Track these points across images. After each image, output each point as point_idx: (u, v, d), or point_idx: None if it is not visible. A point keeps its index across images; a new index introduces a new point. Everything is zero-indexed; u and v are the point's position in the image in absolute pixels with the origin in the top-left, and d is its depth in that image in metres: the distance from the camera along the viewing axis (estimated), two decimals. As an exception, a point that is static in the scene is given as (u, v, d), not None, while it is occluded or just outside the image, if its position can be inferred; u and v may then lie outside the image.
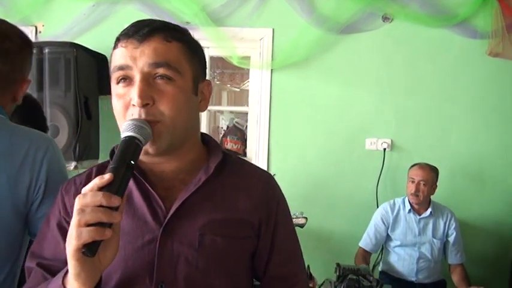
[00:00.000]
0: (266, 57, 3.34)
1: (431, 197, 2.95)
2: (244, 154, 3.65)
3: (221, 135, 4.01)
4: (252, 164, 1.12)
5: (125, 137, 0.85)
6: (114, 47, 0.95)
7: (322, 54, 3.30)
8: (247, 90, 3.56)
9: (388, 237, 2.97)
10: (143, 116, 0.89)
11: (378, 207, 3.13)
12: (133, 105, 0.90)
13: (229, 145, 3.78)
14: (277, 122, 3.38)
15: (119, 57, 0.93)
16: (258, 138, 3.43)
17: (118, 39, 0.95)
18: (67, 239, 0.78)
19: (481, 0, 3.11)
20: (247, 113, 3.60)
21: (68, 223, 0.91)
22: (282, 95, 3.35)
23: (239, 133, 3.81)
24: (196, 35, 3.64)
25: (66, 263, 0.87)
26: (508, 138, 3.23)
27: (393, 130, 3.31)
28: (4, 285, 1.17)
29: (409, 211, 2.92)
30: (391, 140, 3.30)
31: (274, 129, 3.38)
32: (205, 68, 1.05)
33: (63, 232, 0.96)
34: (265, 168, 3.30)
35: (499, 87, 3.21)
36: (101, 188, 0.77)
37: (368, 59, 3.30)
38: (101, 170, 1.02)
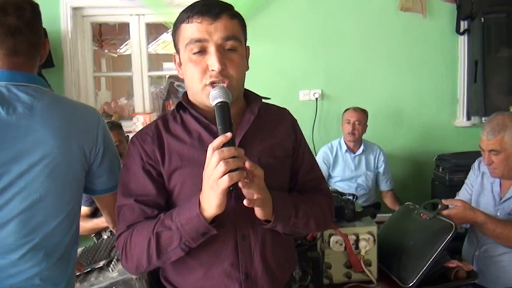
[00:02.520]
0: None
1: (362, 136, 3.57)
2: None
3: (162, 99, 4.29)
4: (272, 104, 1.45)
5: (221, 102, 1.15)
6: (185, 22, 1.21)
7: (257, 14, 3.77)
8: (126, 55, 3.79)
9: (329, 176, 3.56)
10: (220, 78, 1.19)
11: (315, 151, 3.68)
12: (213, 70, 1.19)
13: (173, 108, 4.09)
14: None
15: (195, 31, 1.19)
16: (202, 99, 3.79)
17: (190, 16, 1.20)
18: (211, 181, 1.06)
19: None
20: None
21: (152, 166, 1.28)
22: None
23: (181, 95, 4.13)
24: (133, 2, 3.97)
25: (156, 197, 1.26)
26: (419, 81, 3.95)
27: (323, 81, 3.90)
28: (61, 227, 1.41)
29: (346, 151, 3.55)
30: (322, 90, 3.89)
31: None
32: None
33: (149, 174, 1.27)
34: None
35: (410, 38, 3.90)
36: (225, 144, 1.07)
37: (296, 18, 3.85)
38: (165, 122, 1.34)
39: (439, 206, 2.12)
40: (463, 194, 2.50)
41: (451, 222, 1.89)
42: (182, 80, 4.21)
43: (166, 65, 6.82)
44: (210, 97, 1.18)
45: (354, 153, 3.59)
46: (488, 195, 2.34)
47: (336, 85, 3.92)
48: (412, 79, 3.96)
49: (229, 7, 1.25)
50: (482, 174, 2.42)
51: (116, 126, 3.13)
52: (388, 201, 3.68)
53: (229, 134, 1.08)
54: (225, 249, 1.26)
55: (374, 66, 3.93)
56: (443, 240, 1.80)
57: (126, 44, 7.52)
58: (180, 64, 1.31)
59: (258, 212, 1.19)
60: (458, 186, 3.35)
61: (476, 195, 2.41)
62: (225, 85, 1.19)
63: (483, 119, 3.65)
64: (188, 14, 1.21)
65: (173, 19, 3.56)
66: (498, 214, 2.23)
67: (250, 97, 1.38)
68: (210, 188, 1.09)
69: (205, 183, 1.11)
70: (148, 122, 3.62)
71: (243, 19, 1.30)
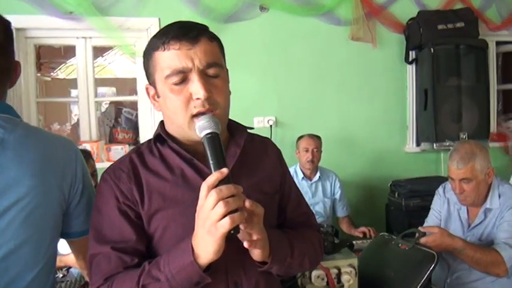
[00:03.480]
0: (155, 47, 3.58)
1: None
2: (138, 143, 3.86)
3: (108, 126, 4.11)
4: (253, 133, 1.34)
5: (211, 133, 1.05)
6: (159, 49, 1.11)
7: (208, 42, 3.66)
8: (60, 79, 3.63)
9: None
10: (207, 107, 1.09)
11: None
12: (198, 98, 1.08)
13: (120, 135, 3.96)
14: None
15: (174, 59, 1.09)
16: (154, 127, 3.66)
17: (165, 42, 1.09)
18: (209, 225, 0.96)
19: (342, -7, 3.81)
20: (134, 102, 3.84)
21: (129, 207, 1.14)
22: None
23: (130, 123, 4.00)
24: (80, 25, 3.84)
25: (135, 243, 1.12)
26: (370, 109, 4.05)
27: (276, 108, 3.91)
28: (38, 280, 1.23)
29: (302, 178, 3.53)
30: (275, 117, 3.87)
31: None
32: None
33: (127, 216, 1.14)
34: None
35: (360, 67, 4.00)
36: (221, 181, 0.98)
37: (250, 45, 3.83)
38: (141, 156, 1.20)
39: (416, 235, 2.14)
40: (432, 221, 2.53)
41: (433, 252, 1.90)
42: (130, 107, 4.15)
43: (100, 89, 6.48)
44: (197, 128, 1.08)
45: (311, 180, 3.59)
46: (456, 222, 2.39)
47: (290, 112, 3.94)
48: (364, 106, 4.06)
49: (206, 28, 1.17)
50: (447, 201, 2.47)
51: (88, 156, 2.78)
52: (345, 227, 3.69)
53: (225, 170, 0.99)
54: None
55: (326, 94, 3.99)
56: (426, 271, 1.81)
57: (59, 68, 7.23)
58: (155, 96, 1.19)
59: (256, 253, 1.09)
60: (414, 211, 3.47)
61: (444, 222, 2.46)
62: (212, 114, 1.10)
63: (434, 145, 3.79)
64: (163, 39, 1.11)
65: (123, 43, 3.51)
66: (468, 239, 2.26)
67: (234, 127, 1.28)
68: (207, 233, 0.98)
69: (200, 227, 1.00)
70: (96, 151, 3.49)
71: (220, 40, 1.21)
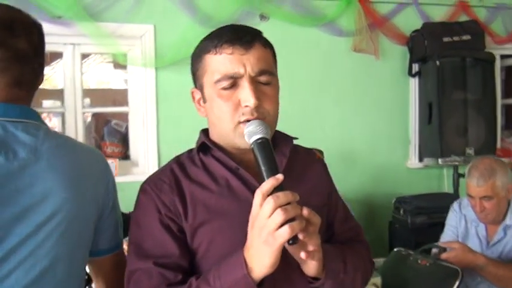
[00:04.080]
0: (149, 55, 3.42)
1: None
2: (127, 157, 3.66)
3: (94, 139, 3.92)
4: (298, 144, 1.28)
5: (261, 138, 1.00)
6: (211, 52, 1.06)
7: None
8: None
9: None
10: (255, 115, 1.04)
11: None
12: (247, 106, 1.04)
13: (109, 149, 3.76)
14: (165, 122, 3.51)
15: (226, 64, 1.05)
16: (146, 140, 3.51)
17: (218, 45, 1.05)
18: (265, 234, 0.90)
19: (346, 2, 3.71)
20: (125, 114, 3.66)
21: (172, 220, 1.07)
22: (168, 93, 3.52)
23: (118, 135, 3.80)
24: (69, 30, 3.61)
25: (178, 259, 1.05)
26: (372, 122, 3.93)
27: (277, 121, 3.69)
28: None
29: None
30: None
31: (163, 129, 3.51)
32: None
33: (169, 229, 1.07)
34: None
35: (363, 79, 3.88)
36: (276, 187, 0.91)
37: (247, 55, 3.61)
38: (182, 166, 1.15)
39: (434, 250, 2.05)
40: (448, 236, 2.41)
41: (456, 268, 1.82)
42: (119, 118, 3.95)
43: (45, 103, 6.19)
44: (246, 134, 1.02)
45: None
46: (474, 239, 2.28)
47: (289, 125, 3.64)
48: (365, 120, 3.94)
49: (260, 33, 1.13)
50: (464, 217, 2.37)
51: None
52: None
53: (280, 176, 0.93)
54: None
55: (327, 107, 3.86)
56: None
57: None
58: (200, 101, 1.15)
59: (312, 267, 1.02)
60: (420, 229, 3.36)
61: (462, 239, 2.34)
62: None
63: (439, 160, 3.68)
64: (215, 42, 1.06)
65: (115, 50, 3.31)
66: None
67: (278, 137, 1.21)
68: (263, 243, 0.91)
69: (255, 237, 0.93)
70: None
71: (273, 47, 1.16)
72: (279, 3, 3.65)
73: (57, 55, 5.27)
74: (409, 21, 3.91)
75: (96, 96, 5.67)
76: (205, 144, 1.15)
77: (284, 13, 3.67)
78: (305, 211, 0.93)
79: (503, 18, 4.10)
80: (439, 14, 3.97)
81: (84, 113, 3.60)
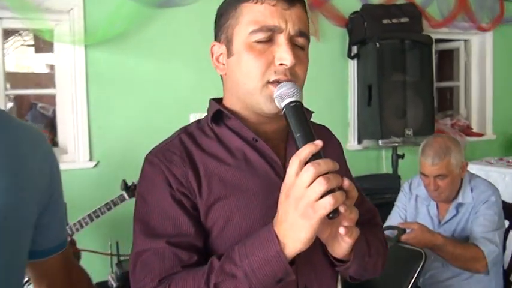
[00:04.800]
0: (78, 31, 3.15)
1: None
2: (55, 144, 3.39)
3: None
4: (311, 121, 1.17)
5: (295, 101, 0.91)
6: (250, 1, 0.97)
7: (140, 28, 3.34)
8: None
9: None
10: (288, 76, 0.96)
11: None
12: (282, 64, 0.95)
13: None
14: (96, 104, 3.27)
15: (267, 15, 0.96)
16: (76, 125, 3.23)
17: None
18: (304, 206, 0.80)
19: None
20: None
21: (184, 195, 0.97)
22: (99, 73, 3.27)
23: (45, 120, 3.51)
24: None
25: (193, 239, 0.95)
26: (312, 104, 3.71)
27: (215, 104, 3.55)
28: None
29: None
30: (214, 114, 3.54)
31: (94, 113, 3.26)
32: None
33: (182, 206, 0.96)
34: (88, 157, 3.23)
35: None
36: (314, 155, 0.82)
37: (186, 33, 3.48)
38: (192, 137, 1.04)
39: (391, 232, 2.02)
40: (395, 218, 2.40)
41: (420, 250, 1.80)
42: (46, 102, 3.65)
43: None
44: (277, 96, 0.93)
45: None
46: (425, 219, 2.27)
47: None
48: (306, 102, 3.84)
49: None
50: (416, 197, 2.35)
51: None
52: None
53: (319, 142, 0.83)
54: None
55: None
56: (415, 270, 1.67)
57: None
58: (220, 57, 1.05)
59: (342, 247, 0.92)
60: None
61: (411, 219, 2.33)
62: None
63: (379, 142, 3.69)
64: None
65: (40, 25, 3.02)
66: None
67: None
68: (300, 216, 0.81)
69: (290, 209, 0.82)
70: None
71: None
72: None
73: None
74: (348, 3, 3.85)
75: (16, 80, 5.27)
76: (220, 112, 1.04)
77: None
78: (346, 182, 0.83)
79: (438, 2, 4.15)
80: (377, -5, 3.97)
81: (7, 95, 3.27)
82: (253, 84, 0.97)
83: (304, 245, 0.84)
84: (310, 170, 0.79)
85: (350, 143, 4.00)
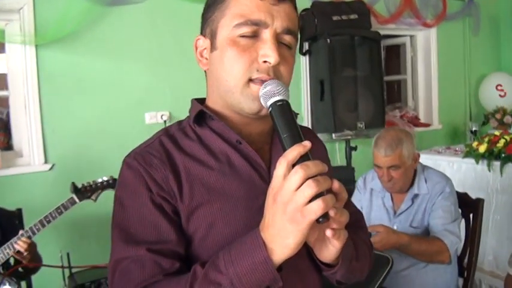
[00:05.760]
0: (28, 31, 3.06)
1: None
2: (10, 147, 3.28)
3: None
4: None
5: (282, 101, 0.87)
6: None
7: (91, 27, 3.28)
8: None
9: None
10: (271, 74, 0.91)
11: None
12: (265, 61, 0.90)
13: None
14: (50, 106, 3.18)
15: (253, 9, 0.91)
16: (29, 127, 3.13)
17: None
18: (292, 210, 0.76)
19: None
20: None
21: (164, 199, 0.91)
22: (51, 74, 3.18)
23: (0, 123, 3.38)
24: None
25: (175, 245, 0.90)
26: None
27: (170, 102, 3.54)
28: None
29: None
30: (170, 112, 3.53)
31: (48, 114, 3.17)
32: None
33: (162, 210, 0.91)
34: (43, 160, 3.15)
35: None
36: (302, 156, 0.78)
37: (138, 32, 3.44)
38: (172, 139, 0.99)
39: None
40: None
41: (387, 256, 1.79)
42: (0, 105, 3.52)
43: None
44: (263, 95, 0.88)
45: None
46: (381, 211, 2.33)
47: (185, 106, 3.49)
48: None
49: None
50: (370, 191, 2.40)
51: None
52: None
53: (307, 143, 0.78)
54: None
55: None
56: (380, 275, 1.67)
57: None
58: (204, 51, 1.01)
59: (330, 251, 0.88)
60: None
61: (367, 213, 2.37)
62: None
63: (333, 135, 3.75)
64: None
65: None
66: (395, 227, 2.22)
67: None
68: (288, 220, 0.77)
69: (277, 213, 0.78)
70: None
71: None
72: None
73: None
74: (299, 0, 3.88)
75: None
76: (202, 113, 0.99)
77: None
78: (336, 184, 0.79)
79: (385, 0, 4.26)
80: (326, -7, 4.03)
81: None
82: (235, 81, 0.93)
83: (292, 251, 0.80)
84: (298, 173, 0.75)
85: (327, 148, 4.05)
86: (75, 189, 2.35)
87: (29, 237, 2.20)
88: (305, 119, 4.04)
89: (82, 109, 3.25)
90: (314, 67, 3.91)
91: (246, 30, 0.92)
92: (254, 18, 0.91)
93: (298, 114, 1.00)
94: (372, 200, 2.38)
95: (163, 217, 0.91)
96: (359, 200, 2.43)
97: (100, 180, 2.42)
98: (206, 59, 1.01)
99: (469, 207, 2.27)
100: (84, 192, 2.38)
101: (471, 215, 2.27)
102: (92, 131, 3.26)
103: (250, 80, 0.92)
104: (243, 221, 0.92)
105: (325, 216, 0.77)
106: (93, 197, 2.39)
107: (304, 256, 0.96)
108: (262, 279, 0.81)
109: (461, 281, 2.27)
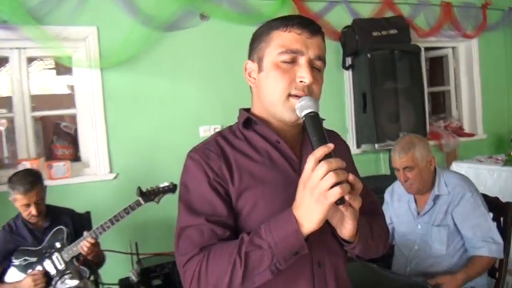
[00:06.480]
0: (93, 56, 3.39)
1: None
2: (78, 159, 3.62)
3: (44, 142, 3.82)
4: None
5: (312, 112, 1.11)
6: (281, 29, 1.19)
7: (150, 51, 3.58)
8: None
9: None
10: (306, 91, 1.16)
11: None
12: (302, 81, 1.16)
13: (60, 151, 3.70)
14: (113, 122, 3.50)
15: (293, 41, 1.17)
16: (96, 141, 3.46)
17: (289, 25, 1.18)
18: (317, 194, 0.99)
19: (280, 1, 3.85)
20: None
21: (219, 183, 1.18)
22: (114, 93, 3.50)
23: (69, 138, 3.74)
24: (16, 34, 3.51)
25: (226, 218, 1.16)
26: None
27: (221, 116, 3.77)
28: None
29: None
30: (221, 126, 3.76)
31: (112, 129, 3.49)
32: None
33: (217, 192, 1.17)
34: (108, 170, 3.46)
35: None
36: (326, 155, 1.01)
37: (191, 54, 3.72)
38: (226, 139, 1.25)
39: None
40: None
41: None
42: (69, 121, 3.87)
43: None
44: (298, 108, 1.14)
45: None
46: (407, 214, 2.47)
47: (235, 119, 3.80)
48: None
49: (321, 29, 1.24)
50: (399, 198, 2.54)
51: (39, 178, 2.59)
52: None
53: (331, 145, 1.02)
54: (301, 277, 1.18)
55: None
56: None
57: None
58: (252, 73, 1.27)
59: (348, 228, 1.12)
60: None
61: (397, 219, 2.53)
62: None
63: (376, 145, 3.87)
64: (287, 22, 1.20)
65: (60, 53, 3.26)
66: (419, 227, 2.37)
67: None
68: (315, 202, 1.01)
69: (306, 196, 1.02)
70: (36, 168, 3.19)
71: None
72: (218, 3, 3.72)
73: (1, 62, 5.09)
74: (340, 18, 4.08)
75: (40, 101, 5.49)
76: (249, 119, 1.25)
77: (223, 12, 3.73)
78: (351, 177, 1.01)
79: (425, 13, 4.38)
80: (366, 10, 4.19)
81: (33, 117, 3.51)
82: (278, 96, 1.18)
83: (317, 225, 1.03)
84: (323, 166, 0.98)
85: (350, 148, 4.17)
86: (141, 193, 2.66)
87: (96, 237, 2.50)
88: (349, 131, 4.17)
89: (142, 124, 3.54)
90: (356, 81, 4.05)
91: (287, 57, 1.17)
92: (293, 48, 1.17)
93: (324, 119, 1.24)
94: (401, 206, 2.51)
95: (218, 197, 1.17)
96: (386, 211, 2.57)
97: (162, 185, 2.72)
98: (254, 78, 1.27)
99: (500, 210, 2.34)
100: (149, 195, 2.68)
101: (501, 218, 2.33)
102: (151, 143, 3.55)
103: (290, 95, 1.17)
104: (279, 202, 1.12)
105: (342, 200, 1.00)
106: (156, 199, 2.69)
107: (329, 234, 1.18)
108: (293, 246, 1.04)
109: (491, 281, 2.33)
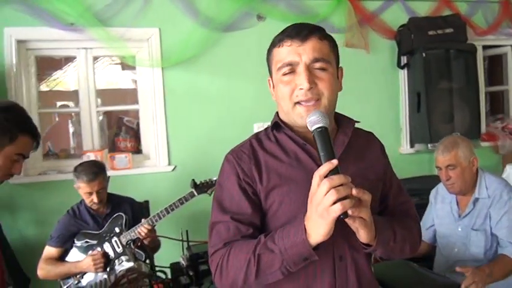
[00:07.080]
0: (155, 56, 3.56)
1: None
2: (139, 151, 3.82)
3: (108, 135, 4.05)
4: (358, 128, 1.44)
5: (320, 127, 1.15)
6: (276, 46, 1.29)
7: (208, 51, 3.72)
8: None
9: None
10: (309, 96, 1.23)
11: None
12: (301, 88, 1.23)
13: (123, 144, 3.90)
14: (173, 118, 3.68)
15: (286, 54, 1.26)
16: (156, 135, 3.65)
17: (281, 40, 1.28)
18: (321, 210, 1.05)
19: (336, 1, 3.88)
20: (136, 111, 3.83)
21: (248, 184, 1.29)
22: (174, 91, 3.68)
23: (131, 131, 3.95)
24: (81, 36, 3.73)
25: (251, 216, 1.26)
26: (365, 112, 4.01)
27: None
28: None
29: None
30: (275, 123, 3.83)
31: (171, 124, 3.67)
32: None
33: (245, 192, 1.28)
34: (167, 162, 3.64)
35: (355, 72, 3.98)
36: (331, 170, 1.06)
37: (247, 53, 3.81)
38: (259, 141, 1.36)
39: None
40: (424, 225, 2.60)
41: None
42: (131, 116, 4.09)
43: (59, 104, 6.25)
44: (309, 123, 1.19)
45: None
46: (449, 216, 2.48)
47: None
48: (359, 110, 3.91)
49: (319, 29, 1.30)
50: (442, 199, 2.54)
51: (103, 169, 2.79)
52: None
53: (335, 161, 1.07)
54: (323, 270, 1.26)
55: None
56: None
57: (50, 78, 6.99)
58: (273, 87, 1.36)
59: (362, 235, 1.17)
60: None
61: (438, 220, 2.55)
62: (311, 104, 1.23)
63: (428, 145, 3.83)
64: (279, 37, 1.29)
65: (124, 53, 3.45)
66: (459, 229, 2.37)
67: (342, 119, 1.41)
68: (319, 216, 1.08)
69: (313, 211, 1.09)
70: (100, 159, 3.42)
71: (333, 40, 1.34)
72: (274, 4, 3.80)
73: (69, 59, 5.43)
74: (396, 17, 4.05)
75: (106, 96, 5.80)
76: (278, 123, 1.35)
77: (280, 13, 3.80)
78: (354, 191, 1.06)
79: (483, 11, 4.26)
80: (423, 9, 4.13)
81: (98, 111, 3.76)
82: (287, 105, 1.28)
83: (323, 237, 1.09)
84: (325, 184, 1.04)
85: (403, 147, 4.16)
86: (195, 185, 2.80)
87: (152, 224, 2.66)
88: (403, 130, 4.15)
89: (200, 120, 3.71)
90: (411, 80, 4.02)
91: (285, 70, 1.26)
92: (287, 61, 1.26)
93: (358, 122, 1.40)
94: (444, 208, 2.51)
95: (245, 197, 1.28)
96: (429, 212, 2.59)
97: (215, 178, 2.84)
98: (274, 92, 1.37)
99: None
100: (202, 187, 2.82)
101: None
102: (208, 138, 3.70)
103: (296, 103, 1.26)
104: (303, 200, 1.16)
105: (346, 214, 1.06)
106: (209, 191, 2.82)
107: (353, 232, 1.20)
108: (301, 253, 1.13)
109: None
